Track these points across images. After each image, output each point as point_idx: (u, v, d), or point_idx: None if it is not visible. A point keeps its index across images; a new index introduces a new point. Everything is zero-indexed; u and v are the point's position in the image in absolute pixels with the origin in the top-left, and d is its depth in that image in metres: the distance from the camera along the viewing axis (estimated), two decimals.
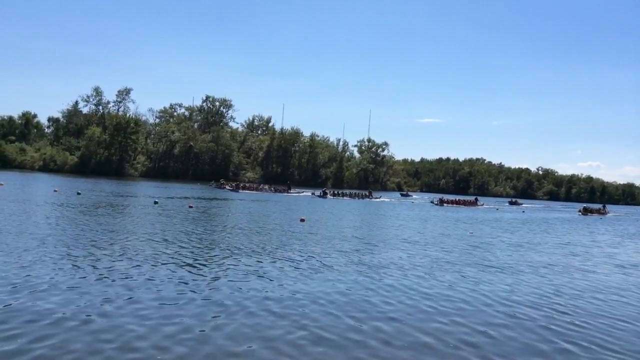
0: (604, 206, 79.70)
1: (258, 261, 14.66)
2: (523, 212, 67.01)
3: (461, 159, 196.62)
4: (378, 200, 70.19)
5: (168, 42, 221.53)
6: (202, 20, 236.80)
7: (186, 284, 11.29)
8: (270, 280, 12.23)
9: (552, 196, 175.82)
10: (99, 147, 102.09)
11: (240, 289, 11.14)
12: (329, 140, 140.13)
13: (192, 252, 15.44)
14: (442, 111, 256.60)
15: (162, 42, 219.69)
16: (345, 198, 68.08)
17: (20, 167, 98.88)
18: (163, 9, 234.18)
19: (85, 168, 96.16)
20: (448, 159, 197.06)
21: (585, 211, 69.06)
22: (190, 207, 33.23)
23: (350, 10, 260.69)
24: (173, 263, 13.56)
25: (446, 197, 78.45)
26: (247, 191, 67.46)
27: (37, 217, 22.13)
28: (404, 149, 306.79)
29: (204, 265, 13.61)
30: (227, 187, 69.41)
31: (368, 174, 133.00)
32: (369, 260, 16.31)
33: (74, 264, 12.50)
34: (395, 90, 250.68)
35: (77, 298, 9.51)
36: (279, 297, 10.62)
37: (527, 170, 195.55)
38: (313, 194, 69.30)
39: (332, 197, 67.14)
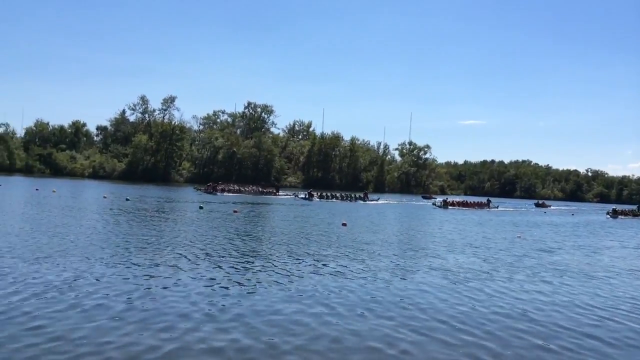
0: (638, 207, 72.67)
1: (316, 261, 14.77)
2: (545, 212, 64.97)
3: (506, 161, 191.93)
4: (374, 202, 62.93)
5: (210, 50, 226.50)
6: (242, 28, 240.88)
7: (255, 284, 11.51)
8: (360, 279, 12.32)
9: (603, 198, 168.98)
10: (145, 154, 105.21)
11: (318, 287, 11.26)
12: (369, 143, 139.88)
13: (251, 256, 15.72)
14: (486, 113, 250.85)
15: (205, 50, 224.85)
16: (334, 200, 60.91)
17: (71, 174, 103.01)
18: (205, 18, 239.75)
19: (133, 174, 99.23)
20: (493, 162, 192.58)
21: (615, 213, 63.26)
22: (235, 212, 33.72)
23: (390, 13, 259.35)
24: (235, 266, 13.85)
25: (451, 198, 72.28)
26: (227, 193, 61.16)
27: (88, 222, 22.99)
28: (447, 151, 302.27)
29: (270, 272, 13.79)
30: (201, 190, 62.04)
31: (410, 177, 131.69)
32: (439, 264, 16.40)
33: (128, 265, 12.94)
34: (436, 93, 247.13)
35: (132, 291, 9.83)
36: (381, 298, 10.69)
37: (575, 172, 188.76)
38: (296, 195, 62.39)
39: (318, 199, 60.41)
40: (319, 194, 62.98)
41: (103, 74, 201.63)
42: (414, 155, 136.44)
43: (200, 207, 35.27)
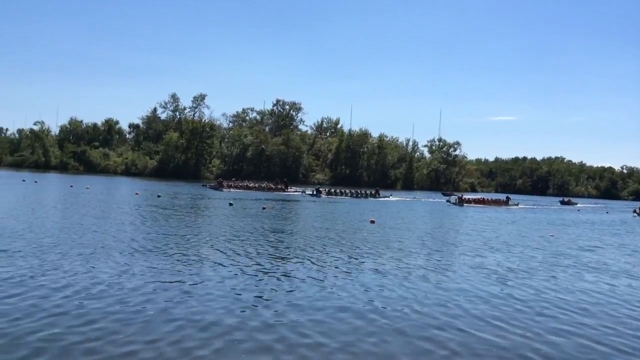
0: None
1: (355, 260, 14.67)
2: (579, 210, 62.69)
3: (539, 157, 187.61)
4: (386, 199, 60.26)
5: (239, 48, 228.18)
6: (271, 26, 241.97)
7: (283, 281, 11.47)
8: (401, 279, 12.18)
9: (638, 196, 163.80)
10: (176, 152, 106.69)
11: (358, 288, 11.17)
12: (398, 140, 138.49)
13: (283, 253, 15.76)
14: (517, 109, 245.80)
15: (234, 48, 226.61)
16: (344, 197, 58.91)
17: (104, 171, 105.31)
18: (234, 17, 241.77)
19: (164, 171, 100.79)
20: (525, 158, 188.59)
21: None
22: (264, 208, 33.88)
23: (419, 8, 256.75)
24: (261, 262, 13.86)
25: (466, 195, 67.22)
26: (233, 189, 59.24)
27: (124, 218, 23.50)
28: (477, 148, 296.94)
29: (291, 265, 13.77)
30: (210, 186, 61.28)
31: (439, 174, 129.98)
32: (477, 262, 16.19)
33: (163, 259, 13.12)
34: (466, 89, 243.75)
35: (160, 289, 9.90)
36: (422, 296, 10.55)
37: (610, 169, 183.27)
38: (304, 192, 61.01)
39: (326, 195, 58.47)
40: (327, 190, 61.31)
41: (135, 73, 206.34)
42: (444, 152, 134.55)
43: (230, 204, 35.61)
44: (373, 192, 63.19)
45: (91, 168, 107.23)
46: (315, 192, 58.09)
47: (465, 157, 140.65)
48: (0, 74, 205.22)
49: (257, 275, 12.29)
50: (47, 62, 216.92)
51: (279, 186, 64.86)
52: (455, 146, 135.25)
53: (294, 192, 62.01)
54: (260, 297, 10.26)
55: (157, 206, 31.63)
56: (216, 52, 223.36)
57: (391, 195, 65.76)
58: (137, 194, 42.77)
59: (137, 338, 7.51)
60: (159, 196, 40.68)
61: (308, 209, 38.54)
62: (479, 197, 66.61)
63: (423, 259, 16.30)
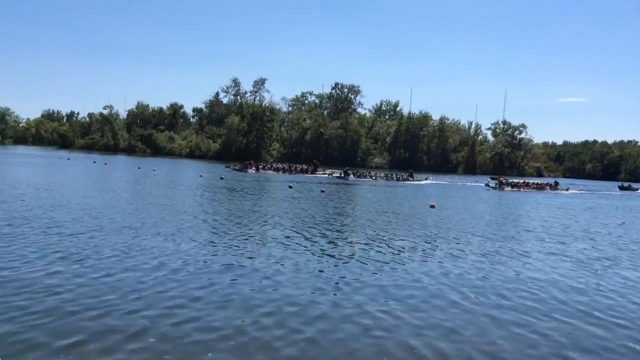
0: None
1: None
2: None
3: (610, 141, 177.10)
4: (421, 183, 55.85)
5: (298, 32, 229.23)
6: (330, 9, 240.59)
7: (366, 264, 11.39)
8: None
9: None
10: (238, 135, 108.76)
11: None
12: (459, 123, 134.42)
13: (346, 235, 15.65)
14: (587, 90, 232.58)
15: (293, 33, 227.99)
16: (373, 179, 55.50)
17: (170, 154, 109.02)
18: (292, 1, 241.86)
19: (226, 154, 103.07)
20: (595, 142, 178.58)
21: None
22: (323, 191, 33.94)
23: None
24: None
25: (507, 178, 59.95)
26: (258, 171, 56.58)
27: (191, 200, 24.27)
28: (545, 131, 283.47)
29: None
30: (235, 168, 57.92)
31: (504, 158, 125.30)
32: (556, 250, 15.50)
33: (227, 242, 13.33)
34: (533, 69, 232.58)
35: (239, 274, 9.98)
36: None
37: None
38: (331, 174, 57.60)
39: (355, 177, 55.19)
40: (356, 172, 57.83)
41: (199, 58, 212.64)
42: (508, 135, 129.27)
43: (290, 187, 35.95)
44: (406, 175, 59.43)
45: (157, 151, 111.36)
46: (342, 175, 55.21)
47: (532, 140, 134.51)
48: (71, 60, 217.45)
49: (324, 261, 12.11)
50: (115, 48, 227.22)
51: (308, 168, 62.22)
52: (521, 129, 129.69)
53: (322, 174, 58.80)
54: (347, 280, 10.08)
55: (222, 187, 32.53)
56: (276, 36, 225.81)
57: (427, 178, 61.39)
58: (200, 176, 43.93)
59: (225, 324, 7.40)
60: (221, 178, 41.52)
61: (365, 192, 38.16)
62: (523, 180, 61.29)
63: (494, 245, 15.64)
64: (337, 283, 9.79)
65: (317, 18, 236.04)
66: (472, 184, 61.06)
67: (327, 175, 57.16)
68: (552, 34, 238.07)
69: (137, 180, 35.87)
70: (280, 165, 63.70)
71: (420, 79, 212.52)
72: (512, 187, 53.52)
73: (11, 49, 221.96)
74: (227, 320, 7.40)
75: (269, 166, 62.74)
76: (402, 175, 58.66)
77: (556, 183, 58.50)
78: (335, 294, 9.04)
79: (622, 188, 72.63)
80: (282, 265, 11.06)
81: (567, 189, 56.77)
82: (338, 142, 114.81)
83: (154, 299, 8.11)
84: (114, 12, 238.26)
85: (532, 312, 8.77)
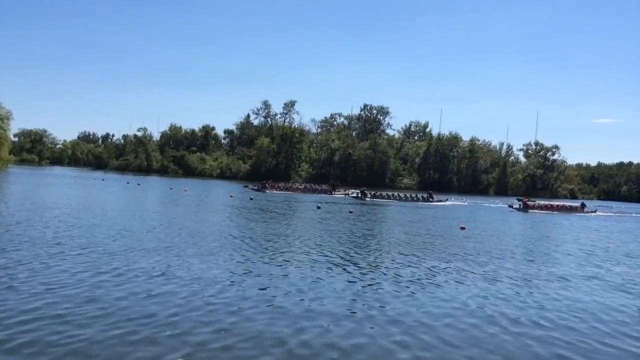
0: None
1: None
2: None
3: None
4: (441, 204, 54.24)
5: (328, 54, 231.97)
6: (359, 31, 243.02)
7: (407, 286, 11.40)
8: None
9: None
10: (268, 156, 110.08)
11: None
12: (490, 144, 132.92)
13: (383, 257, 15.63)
14: (622, 110, 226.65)
15: (323, 55, 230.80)
16: (392, 200, 53.96)
17: (201, 174, 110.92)
18: (321, 23, 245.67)
19: (256, 175, 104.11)
20: (631, 163, 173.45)
21: None
22: (350, 212, 33.86)
23: (510, 6, 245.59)
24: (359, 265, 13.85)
25: (532, 200, 57.12)
26: (275, 191, 56.93)
27: (218, 219, 24.59)
28: (578, 152, 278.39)
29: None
30: (252, 188, 58.20)
31: (536, 179, 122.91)
32: (594, 273, 15.14)
33: (253, 261, 13.44)
34: (566, 89, 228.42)
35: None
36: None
37: None
38: (347, 194, 56.90)
39: (372, 198, 53.63)
40: (372, 193, 56.09)
41: (230, 80, 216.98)
42: (541, 156, 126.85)
43: (318, 207, 36.08)
44: (426, 195, 57.99)
45: (189, 171, 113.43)
46: (360, 195, 54.09)
47: (565, 161, 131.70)
48: (106, 82, 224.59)
49: (358, 280, 12.11)
50: (149, 71, 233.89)
51: (324, 188, 62.32)
52: (554, 150, 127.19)
53: (339, 194, 58.18)
54: (370, 303, 10.06)
55: (253, 207, 32.87)
56: (306, 58, 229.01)
57: (447, 199, 59.37)
58: (231, 196, 44.51)
59: (272, 342, 7.51)
60: (251, 199, 41.97)
61: (395, 214, 37.96)
62: (548, 202, 58.86)
63: (533, 268, 15.33)
64: (381, 306, 9.75)
65: (346, 39, 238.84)
66: (495, 205, 59.45)
67: (343, 196, 56.61)
68: (585, 53, 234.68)
69: (170, 200, 36.58)
70: (299, 186, 63.22)
71: (450, 99, 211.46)
72: (537, 208, 51.82)
73: (48, 72, 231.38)
74: (274, 341, 7.45)
75: (288, 186, 62.35)
76: (421, 196, 57.50)
77: (583, 205, 56.26)
78: (377, 317, 8.99)
79: None
80: (321, 286, 11.09)
81: (594, 211, 54.84)
82: (366, 163, 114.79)
83: (197, 320, 8.21)
84: (147, 34, 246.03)
85: (582, 336, 8.64)
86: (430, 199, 56.06)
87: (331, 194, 59.16)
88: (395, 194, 57.58)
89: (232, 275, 11.65)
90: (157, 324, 7.82)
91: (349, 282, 11.76)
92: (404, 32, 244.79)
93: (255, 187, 57.97)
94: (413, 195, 57.85)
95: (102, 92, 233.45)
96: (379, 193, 56.92)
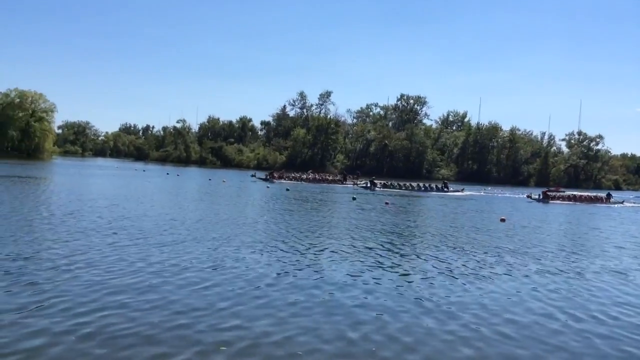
0: None
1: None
2: None
3: None
4: (457, 194, 52.74)
5: (364, 44, 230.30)
6: (395, 21, 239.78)
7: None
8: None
9: None
10: (303, 147, 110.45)
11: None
12: (531, 134, 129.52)
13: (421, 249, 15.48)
14: None
15: (359, 45, 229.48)
16: (403, 190, 51.80)
17: (238, 165, 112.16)
18: (358, 13, 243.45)
19: (292, 166, 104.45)
20: None
21: None
22: (387, 203, 33.52)
23: None
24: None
25: (554, 191, 53.58)
26: (284, 180, 55.79)
27: (255, 209, 25.20)
28: (623, 142, 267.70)
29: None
30: (260, 178, 57.11)
31: (579, 170, 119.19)
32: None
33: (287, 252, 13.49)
34: (611, 77, 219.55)
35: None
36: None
37: None
38: (355, 184, 55.83)
39: (381, 188, 51.65)
40: (382, 183, 54.57)
41: (266, 72, 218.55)
42: (584, 146, 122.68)
43: (354, 198, 35.95)
44: (440, 185, 56.45)
45: (227, 163, 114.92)
46: (369, 185, 52.37)
47: (609, 151, 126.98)
48: (147, 75, 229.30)
49: (426, 273, 12.03)
50: (187, 63, 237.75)
51: (335, 178, 61.83)
52: (598, 140, 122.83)
53: (350, 184, 57.13)
54: (441, 295, 9.95)
55: (285, 198, 33.25)
56: (342, 49, 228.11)
57: (463, 189, 57.52)
58: (267, 187, 44.86)
59: (343, 323, 7.56)
60: (287, 190, 42.16)
61: (429, 205, 37.45)
62: (570, 193, 55.50)
63: (585, 261, 14.88)
64: (437, 299, 9.61)
65: (382, 29, 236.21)
66: (515, 196, 56.75)
67: (352, 186, 55.57)
68: (628, 41, 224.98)
69: (212, 191, 37.19)
70: (308, 176, 62.18)
71: (490, 89, 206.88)
72: (558, 199, 49.53)
73: (90, 64, 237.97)
74: (333, 333, 7.44)
75: (297, 176, 61.41)
76: (436, 186, 56.04)
77: (609, 195, 53.82)
78: (434, 311, 8.87)
79: None
80: (372, 278, 11.01)
81: (622, 202, 52.15)
82: (403, 153, 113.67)
83: (255, 311, 8.28)
84: (185, 27, 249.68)
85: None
86: (446, 189, 54.77)
87: (342, 183, 58.56)
88: (408, 184, 55.86)
89: (283, 265, 11.72)
90: (218, 315, 7.92)
91: (398, 274, 11.65)
92: (440, 20, 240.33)
93: (263, 177, 57.34)
94: (427, 185, 56.18)
95: (142, 84, 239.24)
96: (389, 183, 55.57)
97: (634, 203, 55.09)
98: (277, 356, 6.48)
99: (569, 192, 55.33)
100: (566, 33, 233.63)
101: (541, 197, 49.21)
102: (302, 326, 7.61)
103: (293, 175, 61.76)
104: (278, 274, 10.88)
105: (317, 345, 6.91)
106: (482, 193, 58.45)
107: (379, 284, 10.57)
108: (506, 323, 8.40)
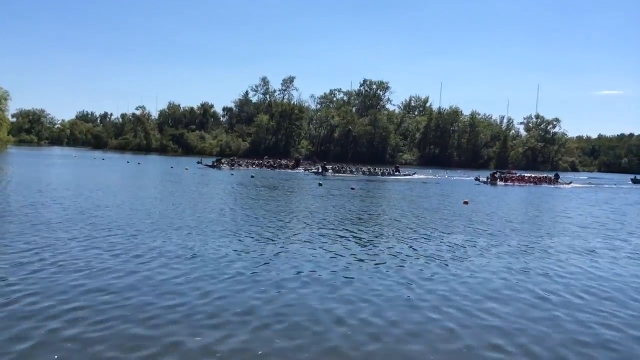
0: None
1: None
2: None
3: None
4: (408, 177, 53.44)
5: (325, 29, 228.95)
6: (356, 6, 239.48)
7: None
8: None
9: None
10: (267, 133, 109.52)
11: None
12: (491, 118, 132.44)
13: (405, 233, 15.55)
14: (624, 82, 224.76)
15: (321, 30, 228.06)
16: (354, 175, 52.00)
17: (201, 153, 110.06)
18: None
19: (256, 152, 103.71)
20: (632, 135, 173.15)
21: None
22: (352, 188, 33.64)
23: None
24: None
25: (500, 172, 54.74)
26: (236, 167, 55.24)
27: (220, 197, 24.88)
28: (579, 125, 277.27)
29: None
30: (209, 164, 55.33)
31: (537, 153, 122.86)
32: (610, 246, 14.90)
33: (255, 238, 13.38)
34: (566, 62, 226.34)
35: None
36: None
37: None
38: (307, 169, 55.87)
39: (333, 173, 51.57)
40: (334, 167, 54.78)
41: (228, 57, 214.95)
42: (542, 129, 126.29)
43: (320, 184, 35.95)
44: (392, 170, 55.98)
45: (188, 150, 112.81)
46: (320, 170, 52.17)
47: (565, 134, 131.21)
48: (103, 61, 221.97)
49: (401, 256, 12.05)
50: (146, 49, 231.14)
51: (286, 163, 61.66)
52: (555, 123, 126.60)
53: (300, 170, 56.88)
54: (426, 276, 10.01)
55: (250, 184, 33.22)
56: (304, 34, 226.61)
57: (415, 173, 58.56)
58: (232, 174, 44.39)
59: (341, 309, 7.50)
60: (252, 176, 41.82)
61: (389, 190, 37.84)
62: (518, 174, 56.26)
63: (556, 240, 15.27)
64: (416, 282, 9.65)
65: (345, 15, 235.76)
66: (465, 178, 57.34)
67: (303, 171, 55.44)
68: (586, 25, 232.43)
69: (173, 178, 36.44)
70: (257, 161, 61.80)
71: (450, 74, 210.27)
72: (505, 180, 50.00)
73: (44, 51, 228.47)
74: (332, 319, 7.42)
75: (245, 162, 60.54)
76: (386, 170, 55.83)
77: (557, 176, 54.63)
78: (417, 293, 8.92)
79: (635, 181, 66.82)
80: (346, 265, 11.00)
81: (569, 183, 53.25)
82: (367, 139, 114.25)
83: (251, 300, 8.17)
84: (144, 12, 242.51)
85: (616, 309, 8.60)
86: (397, 173, 54.97)
87: (294, 168, 58.23)
88: (360, 168, 55.91)
89: (261, 255, 11.59)
90: (212, 305, 7.81)
91: (376, 259, 11.68)
92: (402, 6, 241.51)
93: (210, 164, 55.73)
94: (379, 170, 56.00)
95: (99, 71, 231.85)
96: (340, 167, 55.86)
97: (583, 184, 56.63)
98: (254, 348, 6.37)
99: (517, 174, 56.12)
100: (525, 20, 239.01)
101: (489, 179, 49.62)
102: (299, 313, 7.58)
103: (245, 161, 60.69)
104: (261, 262, 10.76)
105: (320, 330, 6.85)
106: (435, 176, 58.66)
107: (359, 268, 10.58)
108: (491, 301, 8.55)
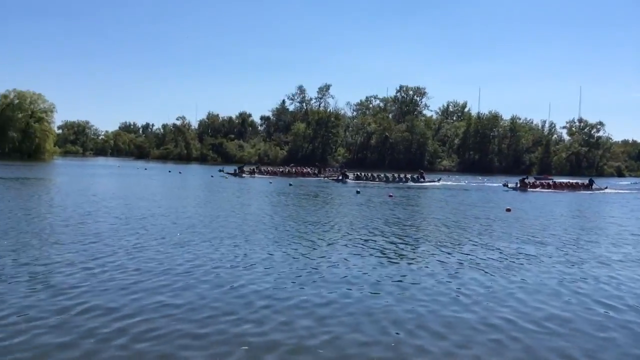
0: None
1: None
2: None
3: None
4: (432, 184, 51.61)
5: (362, 36, 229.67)
6: (393, 12, 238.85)
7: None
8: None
9: None
10: (304, 141, 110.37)
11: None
12: (532, 122, 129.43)
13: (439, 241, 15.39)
14: None
15: (357, 37, 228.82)
16: (377, 182, 50.53)
17: (239, 161, 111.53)
18: (355, 5, 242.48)
19: (293, 160, 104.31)
20: None
21: None
22: (390, 196, 33.40)
23: None
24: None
25: (532, 178, 52.97)
26: (256, 176, 54.63)
27: (257, 204, 25.43)
28: (625, 128, 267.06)
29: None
30: (231, 172, 54.82)
31: (581, 158, 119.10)
32: None
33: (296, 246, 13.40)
34: (611, 63, 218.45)
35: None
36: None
37: None
38: (326, 177, 54.86)
39: (354, 180, 50.88)
40: (355, 174, 53.61)
41: (265, 67, 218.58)
42: (585, 133, 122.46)
43: (357, 192, 35.88)
44: (416, 176, 53.21)
45: (228, 159, 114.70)
46: (340, 177, 51.45)
47: (610, 138, 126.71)
48: (145, 73, 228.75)
49: (450, 266, 11.95)
50: (185, 60, 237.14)
51: (308, 171, 60.44)
52: (599, 127, 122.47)
53: (322, 177, 55.85)
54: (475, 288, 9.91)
55: (287, 193, 33.69)
56: (340, 42, 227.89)
57: (440, 179, 56.16)
58: (270, 182, 44.97)
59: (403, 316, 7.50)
60: (290, 185, 42.10)
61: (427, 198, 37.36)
62: (548, 180, 53.75)
63: (601, 249, 14.74)
64: (469, 294, 9.52)
65: (380, 21, 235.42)
66: (491, 184, 55.00)
67: (322, 178, 54.73)
68: (628, 27, 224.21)
69: (216, 186, 37.19)
70: (277, 169, 61.60)
71: (489, 78, 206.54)
72: (537, 187, 47.85)
73: (88, 63, 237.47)
74: (386, 324, 7.41)
75: (266, 169, 60.44)
76: (411, 177, 53.11)
77: (591, 182, 51.24)
78: (471, 305, 8.79)
79: None
80: (396, 274, 10.96)
81: (605, 188, 50.18)
82: (404, 145, 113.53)
83: (294, 310, 8.24)
84: (182, 24, 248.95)
85: None
86: (422, 179, 52.83)
87: (316, 176, 57.44)
88: (382, 174, 54.50)
89: (310, 262, 11.70)
90: (255, 314, 7.89)
91: (426, 269, 11.60)
92: (438, 11, 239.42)
93: (232, 172, 55.45)
94: (402, 176, 53.57)
95: (141, 82, 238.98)
96: (362, 174, 54.45)
97: (620, 189, 54.09)
98: (324, 357, 6.41)
99: (549, 180, 54.04)
100: (564, 20, 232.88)
101: (518, 185, 47.20)
102: (344, 323, 7.56)
103: (266, 169, 60.76)
104: (308, 271, 10.83)
105: (371, 339, 6.86)
106: (462, 182, 56.98)
107: (414, 280, 10.49)
108: (547, 317, 8.33)
